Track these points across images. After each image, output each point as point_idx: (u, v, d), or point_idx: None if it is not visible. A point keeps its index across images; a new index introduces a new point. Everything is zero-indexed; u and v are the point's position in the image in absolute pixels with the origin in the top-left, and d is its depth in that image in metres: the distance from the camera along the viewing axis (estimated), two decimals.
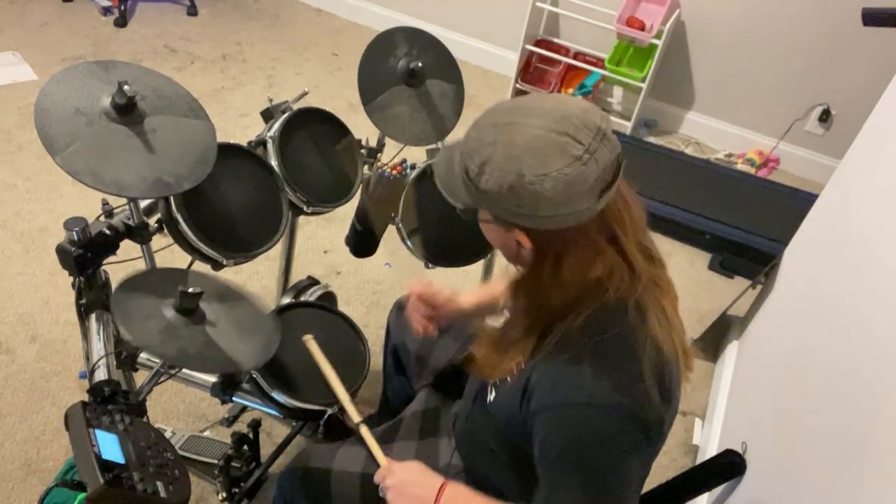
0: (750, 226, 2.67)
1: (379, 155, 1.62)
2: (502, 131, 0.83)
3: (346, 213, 1.63)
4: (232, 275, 1.34)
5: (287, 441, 1.56)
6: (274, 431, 1.82)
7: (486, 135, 0.84)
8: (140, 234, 1.26)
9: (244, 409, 1.82)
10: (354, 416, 1.26)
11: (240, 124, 2.97)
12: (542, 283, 0.91)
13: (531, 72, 3.47)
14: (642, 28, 3.03)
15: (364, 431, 1.22)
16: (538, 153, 0.80)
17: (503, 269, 1.05)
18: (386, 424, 1.32)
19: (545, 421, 0.90)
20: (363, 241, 1.62)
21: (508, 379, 0.99)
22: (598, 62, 3.29)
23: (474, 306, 1.31)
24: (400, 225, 1.52)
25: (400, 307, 1.51)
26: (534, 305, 0.94)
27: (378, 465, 1.14)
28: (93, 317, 1.21)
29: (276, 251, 1.58)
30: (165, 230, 1.28)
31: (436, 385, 1.39)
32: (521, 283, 0.96)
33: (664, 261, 0.97)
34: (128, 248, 1.29)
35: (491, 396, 1.05)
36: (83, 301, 1.23)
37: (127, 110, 1.11)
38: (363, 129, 1.59)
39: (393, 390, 1.58)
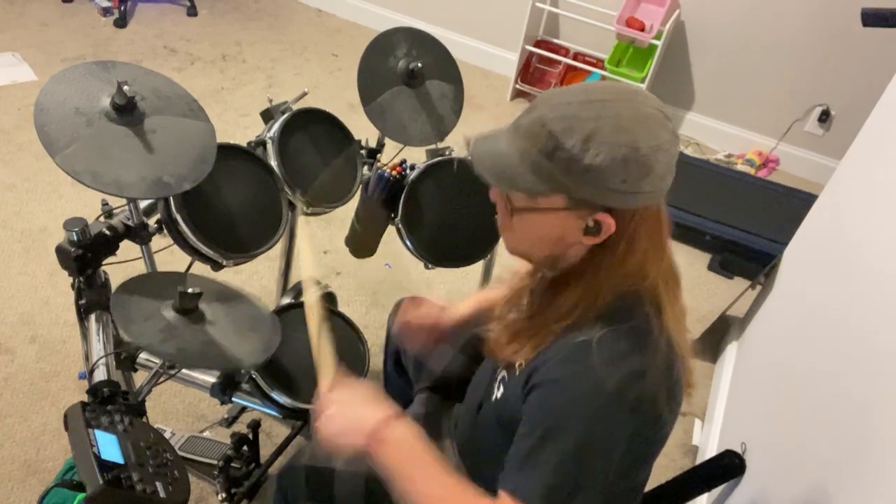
0: (750, 226, 2.67)
1: (379, 155, 1.62)
2: (601, 107, 0.82)
3: (346, 213, 1.63)
4: (232, 275, 1.34)
5: (287, 441, 1.56)
6: (274, 431, 1.82)
7: (582, 111, 0.82)
8: (140, 234, 1.26)
9: (244, 409, 1.82)
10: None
11: (240, 125, 2.97)
12: (611, 270, 0.89)
13: (531, 72, 3.47)
14: (642, 28, 3.03)
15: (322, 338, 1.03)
16: (647, 126, 0.82)
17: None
18: None
19: (544, 393, 0.87)
20: (363, 242, 1.62)
21: (517, 373, 0.98)
22: (598, 63, 3.30)
23: (471, 314, 1.28)
24: (400, 225, 1.52)
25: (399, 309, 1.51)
26: (589, 297, 0.90)
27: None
28: (92, 317, 1.21)
29: (276, 251, 1.58)
30: (165, 231, 1.27)
31: (435, 388, 1.37)
32: (575, 276, 0.92)
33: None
34: (127, 248, 1.29)
35: (498, 393, 1.03)
36: (83, 301, 1.22)
37: (127, 110, 1.11)
38: (363, 129, 1.59)
39: (393, 392, 1.58)
